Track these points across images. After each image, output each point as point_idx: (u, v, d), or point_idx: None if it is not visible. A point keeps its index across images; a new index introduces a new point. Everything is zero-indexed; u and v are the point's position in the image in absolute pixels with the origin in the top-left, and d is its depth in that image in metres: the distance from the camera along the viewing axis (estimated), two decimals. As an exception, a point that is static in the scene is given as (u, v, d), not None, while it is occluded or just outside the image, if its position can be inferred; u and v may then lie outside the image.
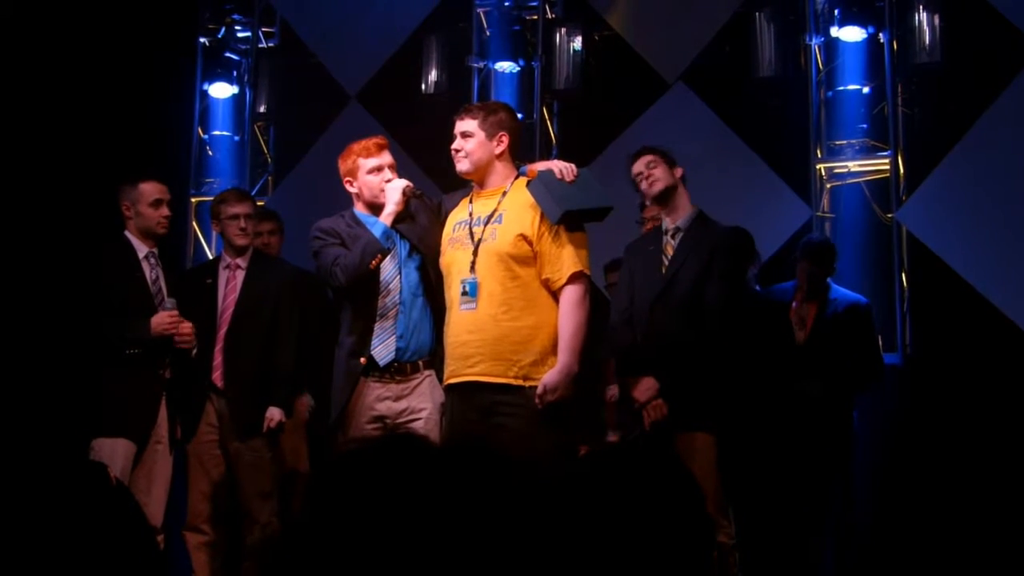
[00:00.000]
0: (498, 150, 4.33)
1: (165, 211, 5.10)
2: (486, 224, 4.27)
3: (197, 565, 5.21)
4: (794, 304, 5.63)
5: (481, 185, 4.38)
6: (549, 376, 4.10)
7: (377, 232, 4.40)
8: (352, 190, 4.62)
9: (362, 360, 4.42)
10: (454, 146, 4.36)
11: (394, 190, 4.49)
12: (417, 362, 4.47)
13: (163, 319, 4.88)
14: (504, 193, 4.31)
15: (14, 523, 1.37)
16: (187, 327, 4.92)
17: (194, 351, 4.99)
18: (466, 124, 4.34)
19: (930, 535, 6.08)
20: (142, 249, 5.07)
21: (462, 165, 4.35)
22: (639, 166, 4.78)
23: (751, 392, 4.99)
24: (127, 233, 5.09)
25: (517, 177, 4.39)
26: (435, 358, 4.48)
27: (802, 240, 5.91)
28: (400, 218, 4.56)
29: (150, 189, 5.08)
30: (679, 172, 4.79)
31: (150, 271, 5.06)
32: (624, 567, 1.32)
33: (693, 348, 4.56)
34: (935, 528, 6.08)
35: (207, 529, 5.22)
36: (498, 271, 4.19)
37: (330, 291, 4.74)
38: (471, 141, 4.32)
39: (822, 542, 5.54)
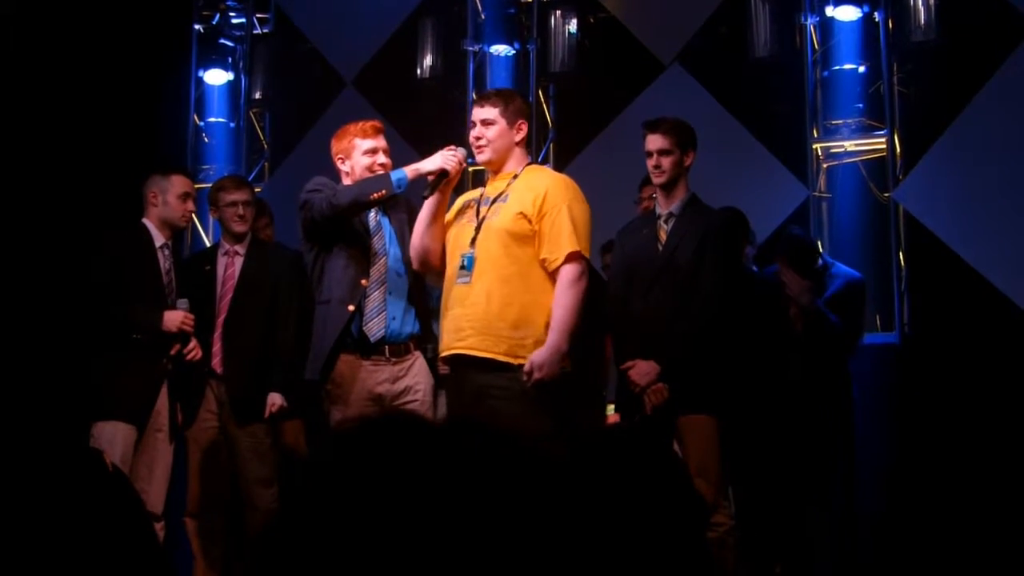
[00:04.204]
0: (518, 137, 4.34)
1: (190, 205, 5.19)
2: (492, 203, 4.28)
3: (198, 552, 5.23)
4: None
5: (496, 171, 4.39)
6: (536, 354, 4.09)
7: (394, 176, 4.41)
8: (343, 168, 4.67)
9: (350, 308, 4.45)
10: (474, 134, 4.34)
11: (444, 158, 4.34)
12: (408, 343, 4.53)
13: (177, 318, 4.92)
14: (515, 176, 4.33)
15: (8, 510, 1.38)
16: (195, 341, 4.99)
17: (197, 358, 5.02)
18: (487, 111, 4.32)
19: (930, 514, 6.10)
20: (159, 239, 5.10)
21: (484, 155, 4.33)
22: (652, 145, 4.71)
23: (750, 373, 4.99)
24: (146, 221, 5.12)
25: (530, 163, 4.41)
26: (422, 340, 4.56)
27: (783, 234, 5.88)
28: (394, 207, 4.63)
29: (180, 182, 5.15)
30: (690, 159, 4.72)
31: (164, 261, 5.09)
32: (617, 549, 1.32)
33: (691, 331, 4.56)
34: (935, 507, 6.09)
35: (208, 516, 5.23)
36: (496, 248, 4.20)
37: (311, 247, 4.63)
38: (492, 129, 4.31)
39: (822, 523, 5.55)
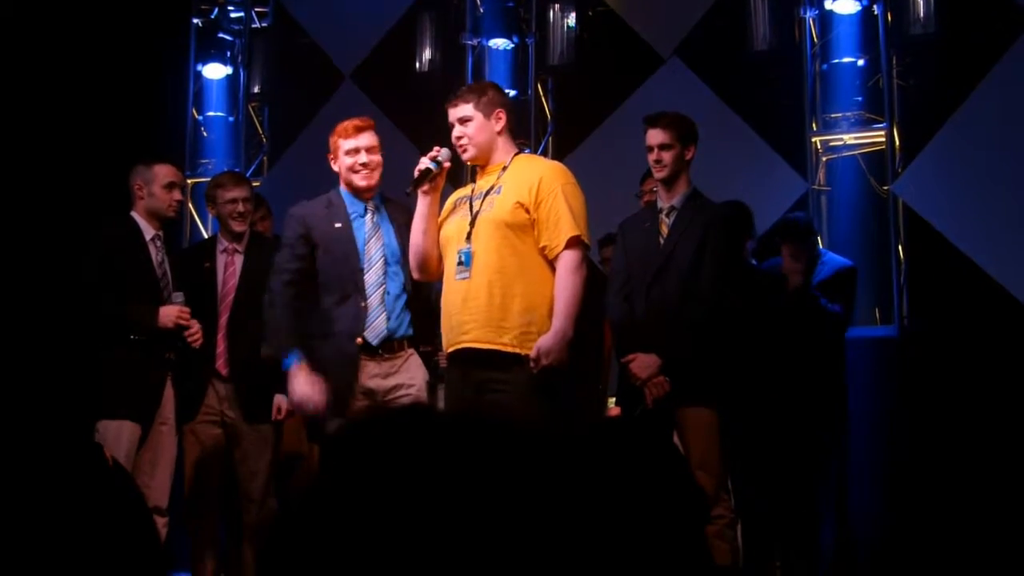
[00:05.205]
0: (498, 127, 4.33)
1: (177, 195, 5.12)
2: (485, 196, 4.27)
3: (196, 546, 5.23)
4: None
5: (485, 165, 4.38)
6: (543, 340, 4.08)
7: (288, 362, 4.42)
8: (335, 168, 4.67)
9: (358, 340, 4.44)
10: (455, 135, 4.32)
11: None
12: (403, 340, 4.52)
13: (172, 313, 4.89)
14: (504, 168, 4.32)
15: (6, 505, 1.38)
16: (196, 325, 4.94)
17: (200, 343, 4.99)
18: (462, 110, 4.31)
19: (927, 507, 6.10)
20: (148, 231, 5.06)
21: (468, 153, 4.32)
22: (653, 140, 4.70)
23: (750, 367, 5.00)
24: (134, 214, 5.09)
25: (518, 153, 4.40)
26: (416, 339, 4.54)
27: (785, 220, 5.87)
28: (392, 200, 4.64)
29: (165, 171, 5.09)
30: (691, 153, 4.72)
31: (156, 254, 5.06)
32: (618, 542, 1.33)
33: (691, 325, 4.56)
34: (933, 502, 6.10)
35: (207, 509, 5.23)
36: (494, 240, 4.19)
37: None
38: (471, 125, 4.30)
39: (820, 515, 5.56)
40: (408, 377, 4.51)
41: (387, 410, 1.18)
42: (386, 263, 4.54)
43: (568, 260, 4.17)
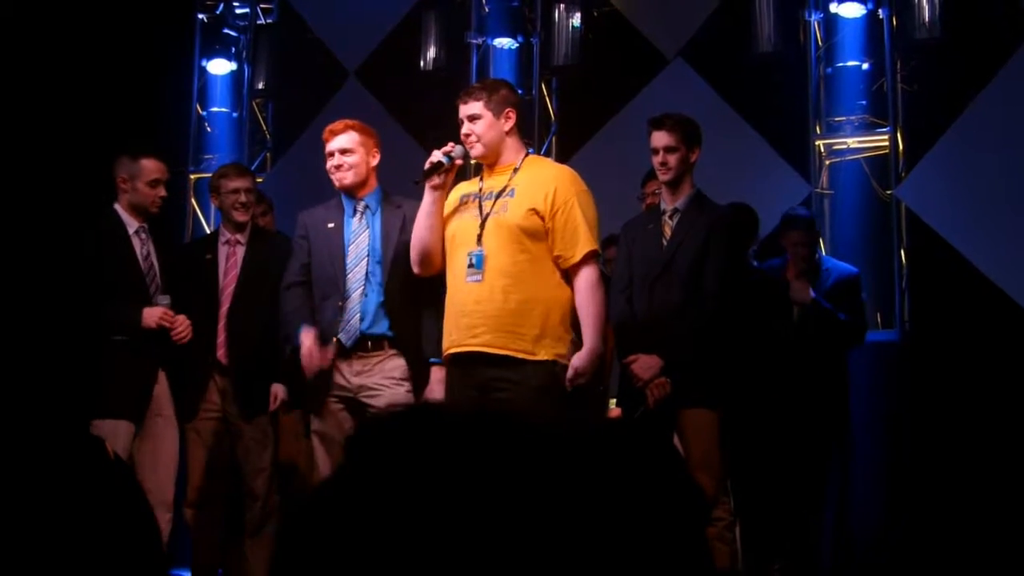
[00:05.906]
0: (507, 127, 4.33)
1: (162, 191, 5.04)
2: (496, 198, 4.27)
3: (198, 540, 5.24)
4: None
5: (493, 164, 4.38)
6: (580, 360, 4.15)
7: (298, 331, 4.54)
8: None
9: (333, 340, 4.51)
10: (463, 132, 4.33)
11: None
12: (381, 341, 4.53)
13: (156, 314, 4.85)
14: (516, 169, 4.32)
15: (6, 500, 1.38)
16: (182, 321, 4.90)
17: (186, 339, 4.96)
18: (472, 107, 4.32)
19: (928, 510, 6.10)
20: (132, 224, 5.01)
21: (476, 150, 4.34)
22: (658, 142, 4.69)
23: (752, 368, 5.00)
24: (117, 207, 5.03)
25: (527, 155, 4.41)
26: (397, 340, 4.54)
27: (788, 214, 5.88)
28: (390, 200, 4.68)
29: (151, 167, 5.02)
30: (695, 155, 4.71)
31: (141, 246, 5.01)
32: (618, 542, 1.32)
33: (693, 327, 4.57)
34: (933, 503, 6.10)
35: (208, 505, 5.23)
36: (507, 244, 4.20)
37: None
38: (480, 123, 4.30)
39: (821, 518, 5.56)
40: (380, 379, 4.51)
41: (403, 408, 1.17)
42: (368, 266, 4.57)
43: (588, 276, 4.22)
